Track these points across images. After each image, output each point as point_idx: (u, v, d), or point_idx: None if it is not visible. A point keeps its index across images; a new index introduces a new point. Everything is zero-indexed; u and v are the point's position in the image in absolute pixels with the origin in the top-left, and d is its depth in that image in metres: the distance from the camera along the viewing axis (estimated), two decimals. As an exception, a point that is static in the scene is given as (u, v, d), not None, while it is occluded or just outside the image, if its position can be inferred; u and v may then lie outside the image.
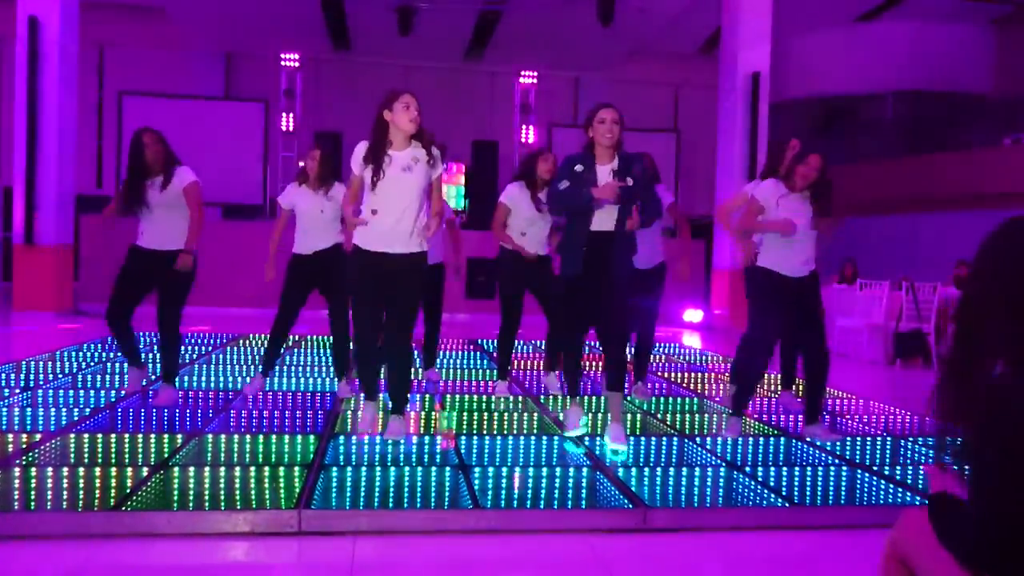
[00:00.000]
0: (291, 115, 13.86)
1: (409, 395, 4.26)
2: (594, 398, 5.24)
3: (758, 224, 4.41)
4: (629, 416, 4.84)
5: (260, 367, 5.33)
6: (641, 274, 5.01)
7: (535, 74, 14.72)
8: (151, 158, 4.62)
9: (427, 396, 5.16)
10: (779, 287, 4.37)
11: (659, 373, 6.49)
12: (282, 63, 14.05)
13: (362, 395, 4.35)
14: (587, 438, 4.11)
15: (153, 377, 5.40)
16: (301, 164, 5.34)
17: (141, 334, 7.58)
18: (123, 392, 4.93)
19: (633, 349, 5.45)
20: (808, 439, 4.31)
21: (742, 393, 4.51)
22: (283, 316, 5.17)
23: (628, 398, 5.27)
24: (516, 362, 6.84)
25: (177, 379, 4.93)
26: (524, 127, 14.75)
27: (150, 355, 6.15)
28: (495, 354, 5.84)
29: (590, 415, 4.49)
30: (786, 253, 4.36)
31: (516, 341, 5.59)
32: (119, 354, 5.10)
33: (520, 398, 5.26)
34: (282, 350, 5.56)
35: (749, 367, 4.58)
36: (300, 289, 5.16)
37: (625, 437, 4.01)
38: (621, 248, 4.01)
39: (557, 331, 5.28)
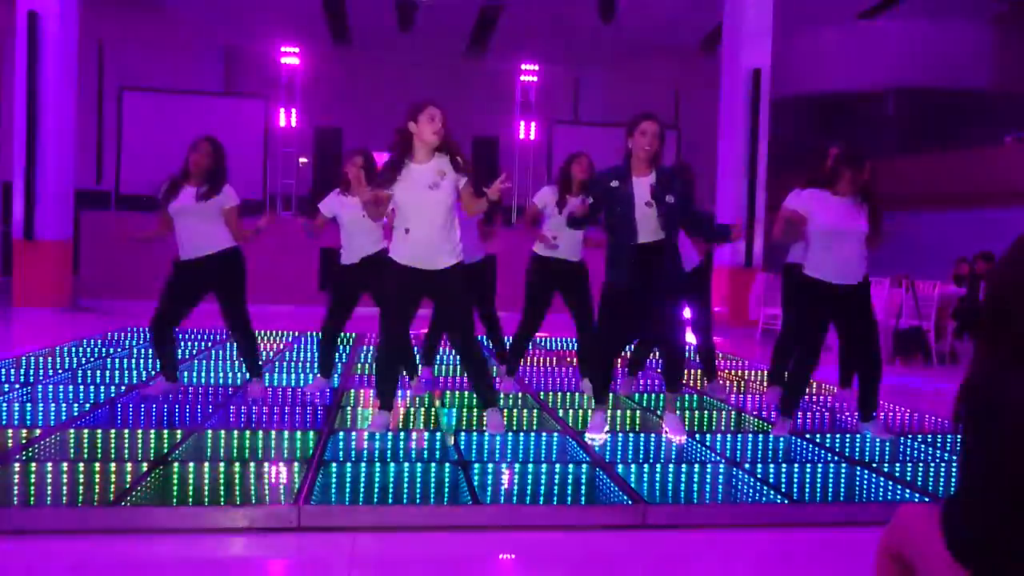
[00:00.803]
0: (291, 111, 13.83)
1: (493, 388, 4.36)
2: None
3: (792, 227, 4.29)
4: (630, 412, 4.84)
5: (318, 370, 5.31)
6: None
7: (536, 70, 14.69)
8: (194, 164, 4.63)
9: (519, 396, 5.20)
10: (821, 297, 4.23)
11: (659, 370, 6.48)
12: (282, 58, 14.02)
13: (377, 403, 4.26)
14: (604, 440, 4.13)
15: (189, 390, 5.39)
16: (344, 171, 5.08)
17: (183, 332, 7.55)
18: (142, 388, 4.91)
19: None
20: (863, 433, 4.34)
21: (788, 396, 4.40)
22: (333, 322, 5.15)
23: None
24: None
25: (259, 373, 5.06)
26: (525, 124, 14.72)
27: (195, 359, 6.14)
28: (502, 348, 5.72)
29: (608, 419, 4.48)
30: (830, 257, 4.19)
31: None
32: (155, 359, 5.06)
33: (520, 394, 5.26)
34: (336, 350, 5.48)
35: (791, 370, 4.47)
36: (350, 295, 5.12)
37: (683, 428, 4.20)
38: (670, 258, 4.01)
39: (586, 338, 5.24)
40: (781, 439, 4.30)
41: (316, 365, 5.43)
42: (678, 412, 4.35)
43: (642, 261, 3.96)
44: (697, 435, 4.26)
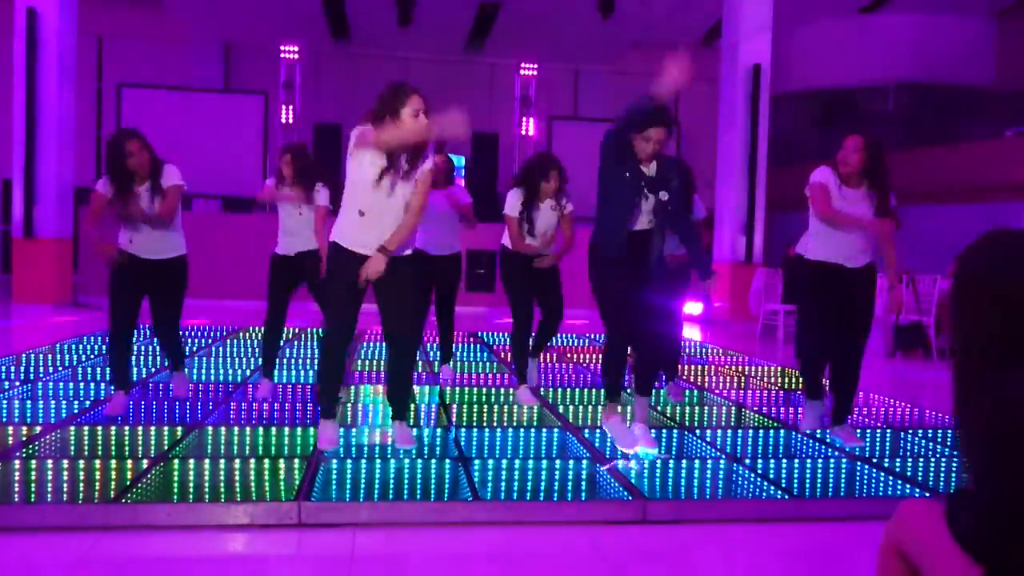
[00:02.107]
0: (290, 107, 13.83)
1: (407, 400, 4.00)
2: (593, 391, 5.24)
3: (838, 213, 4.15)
4: (630, 409, 4.83)
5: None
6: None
7: (535, 66, 14.68)
8: (135, 167, 4.25)
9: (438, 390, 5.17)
10: (829, 277, 4.15)
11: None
12: (281, 55, 14.01)
13: (320, 413, 3.85)
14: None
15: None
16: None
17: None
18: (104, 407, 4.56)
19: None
20: (830, 439, 4.21)
21: (809, 381, 4.36)
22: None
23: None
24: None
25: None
26: (524, 119, 14.72)
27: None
28: (505, 352, 5.64)
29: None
30: (836, 239, 4.12)
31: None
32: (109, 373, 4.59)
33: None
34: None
35: (807, 354, 4.40)
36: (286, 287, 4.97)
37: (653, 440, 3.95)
38: (657, 252, 3.87)
39: (551, 324, 5.16)
40: (782, 433, 4.30)
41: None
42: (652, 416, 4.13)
43: (631, 247, 3.81)
44: (697, 431, 4.26)
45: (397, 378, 3.86)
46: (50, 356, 6.04)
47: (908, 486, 3.47)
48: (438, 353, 5.76)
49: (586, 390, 5.29)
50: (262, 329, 5.21)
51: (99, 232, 4.34)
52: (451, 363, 5.71)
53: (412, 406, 4.41)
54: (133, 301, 4.37)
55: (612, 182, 3.83)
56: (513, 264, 4.99)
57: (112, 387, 4.42)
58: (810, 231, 4.29)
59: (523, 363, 5.04)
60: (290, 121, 13.81)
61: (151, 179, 4.31)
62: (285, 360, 6.22)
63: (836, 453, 3.95)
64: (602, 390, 4.09)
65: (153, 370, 5.63)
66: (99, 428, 3.87)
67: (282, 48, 14.04)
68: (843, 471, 3.70)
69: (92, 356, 6.20)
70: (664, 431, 4.25)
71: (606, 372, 4.03)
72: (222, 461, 3.37)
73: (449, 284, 5.48)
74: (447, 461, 3.49)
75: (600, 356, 4.14)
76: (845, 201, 4.15)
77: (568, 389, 5.33)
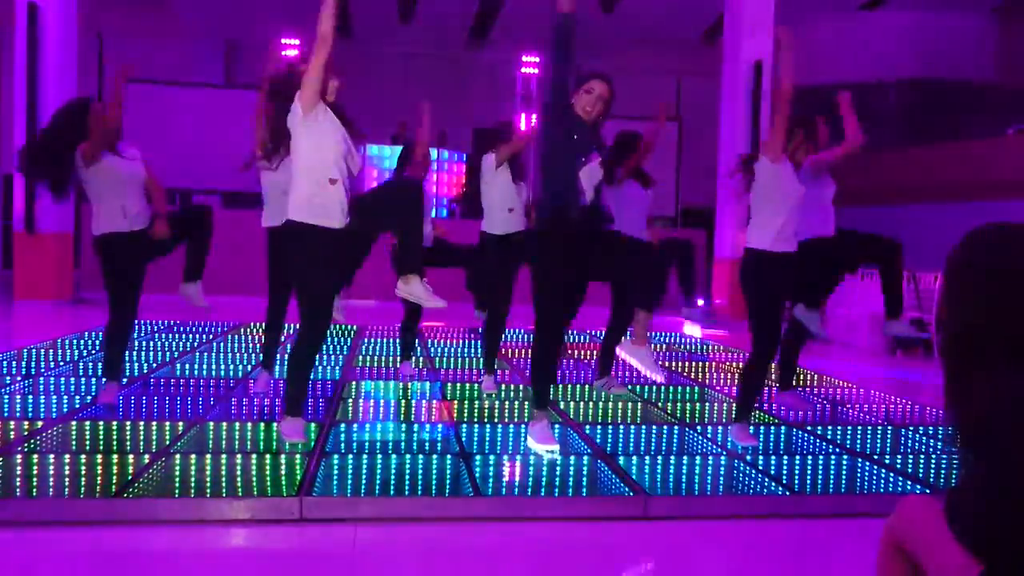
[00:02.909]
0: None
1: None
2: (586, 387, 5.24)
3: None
4: (631, 405, 4.84)
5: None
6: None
7: (537, 61, 14.64)
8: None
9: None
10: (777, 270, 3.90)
11: (660, 363, 6.49)
12: (283, 50, 13.98)
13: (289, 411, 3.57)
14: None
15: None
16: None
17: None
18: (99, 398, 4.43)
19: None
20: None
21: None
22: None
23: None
24: (519, 351, 6.85)
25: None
26: (526, 115, 14.69)
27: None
28: (504, 348, 5.50)
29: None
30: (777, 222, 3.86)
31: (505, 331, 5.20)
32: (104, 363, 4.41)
33: (521, 386, 5.26)
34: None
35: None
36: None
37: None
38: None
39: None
40: (783, 430, 4.30)
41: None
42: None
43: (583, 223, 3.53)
44: (698, 427, 4.26)
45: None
46: (51, 351, 6.04)
47: (908, 482, 3.47)
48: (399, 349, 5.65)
49: (587, 386, 5.28)
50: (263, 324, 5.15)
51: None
52: (412, 360, 5.61)
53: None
54: (140, 289, 4.25)
55: (552, 145, 3.54)
56: (493, 251, 4.80)
57: (104, 379, 4.34)
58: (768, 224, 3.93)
59: (492, 353, 4.97)
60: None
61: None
62: (286, 356, 6.20)
63: (836, 449, 3.95)
64: (533, 396, 3.60)
65: (154, 365, 5.64)
66: (100, 423, 3.88)
67: (284, 44, 14.00)
68: (844, 468, 3.70)
69: (93, 351, 6.20)
70: (665, 427, 4.25)
71: (539, 378, 3.55)
72: (223, 456, 3.37)
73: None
74: (448, 457, 3.49)
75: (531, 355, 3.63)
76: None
77: (569, 385, 5.33)
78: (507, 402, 4.75)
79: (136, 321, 4.56)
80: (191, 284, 4.46)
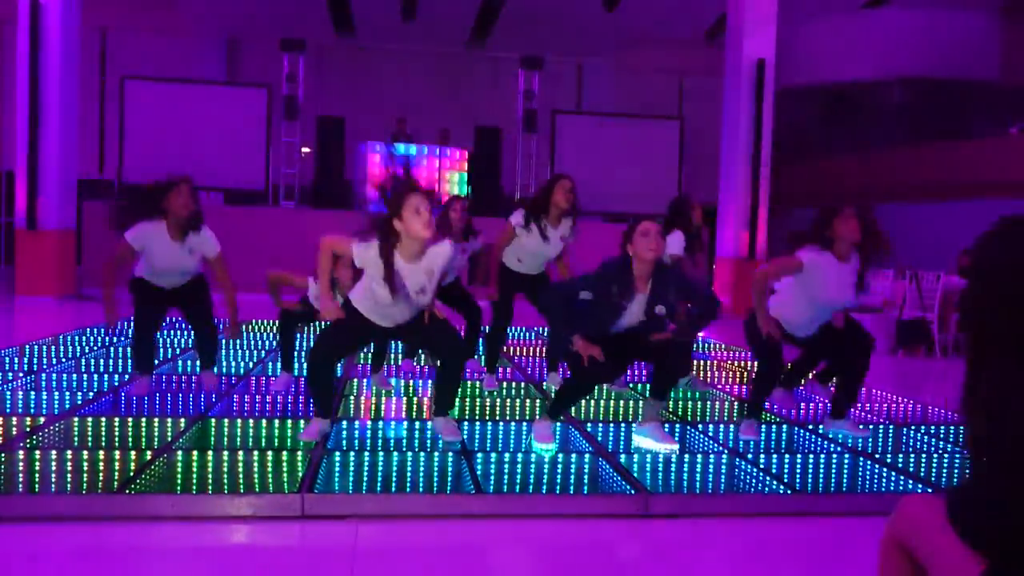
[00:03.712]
0: (294, 100, 13.81)
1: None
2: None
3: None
4: (632, 403, 4.84)
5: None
6: None
7: (539, 60, 14.64)
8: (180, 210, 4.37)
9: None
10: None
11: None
12: (285, 48, 13.98)
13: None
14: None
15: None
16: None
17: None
18: (127, 378, 4.91)
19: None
20: (831, 432, 4.18)
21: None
22: None
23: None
24: (519, 349, 6.86)
25: (182, 364, 4.93)
26: (527, 113, 14.69)
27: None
28: (507, 346, 5.66)
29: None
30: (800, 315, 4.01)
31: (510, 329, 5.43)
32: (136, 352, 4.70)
33: (523, 384, 5.27)
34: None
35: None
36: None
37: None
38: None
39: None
40: (784, 428, 4.30)
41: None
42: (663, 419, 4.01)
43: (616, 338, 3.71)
44: (699, 425, 4.26)
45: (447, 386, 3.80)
46: (53, 347, 6.05)
47: (910, 482, 3.47)
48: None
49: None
50: (274, 322, 5.21)
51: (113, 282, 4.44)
52: (414, 357, 5.67)
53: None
54: (159, 311, 4.68)
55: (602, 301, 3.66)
56: (503, 275, 5.02)
57: (136, 371, 4.64)
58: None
59: (494, 356, 5.18)
60: (293, 115, 13.79)
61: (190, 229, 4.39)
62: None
63: (838, 448, 3.95)
64: (550, 406, 3.86)
65: (157, 361, 5.64)
66: (103, 419, 3.88)
67: (285, 41, 14.00)
68: (845, 466, 3.70)
69: (95, 347, 6.21)
70: (666, 426, 4.24)
71: (560, 403, 3.82)
72: (226, 453, 3.37)
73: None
74: (450, 454, 3.49)
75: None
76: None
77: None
78: (508, 400, 4.75)
79: (157, 332, 4.90)
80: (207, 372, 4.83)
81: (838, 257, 3.88)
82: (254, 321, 7.90)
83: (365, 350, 5.69)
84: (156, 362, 5.07)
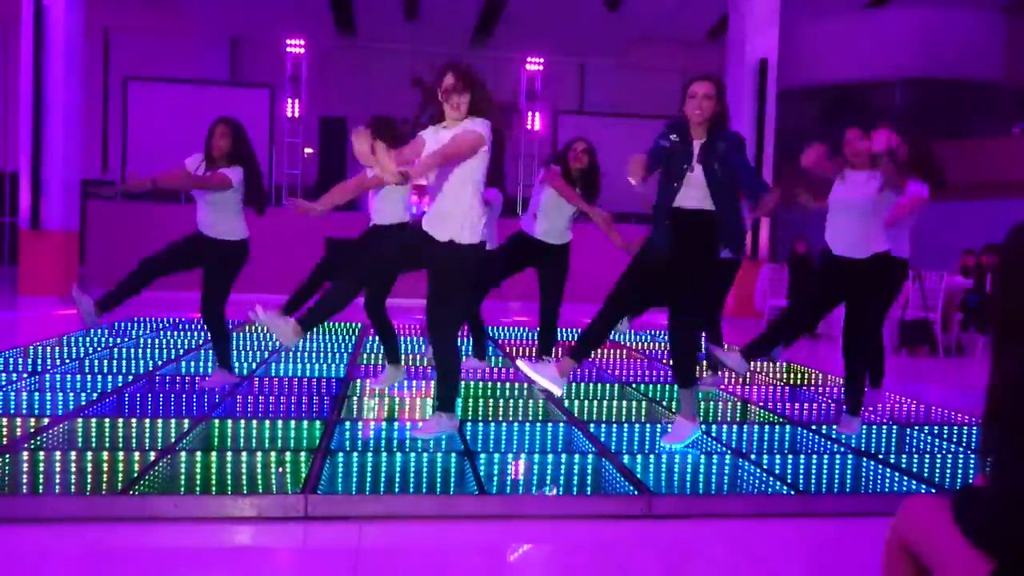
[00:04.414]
0: (297, 101, 13.82)
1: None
2: (599, 385, 5.24)
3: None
4: (635, 403, 4.84)
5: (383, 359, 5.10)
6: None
7: (541, 60, 14.64)
8: (216, 148, 4.84)
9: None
10: (826, 266, 4.27)
11: (664, 361, 6.49)
12: (288, 48, 14.00)
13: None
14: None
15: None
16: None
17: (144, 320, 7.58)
18: (159, 367, 4.99)
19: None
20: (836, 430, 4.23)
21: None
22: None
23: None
24: (519, 349, 6.86)
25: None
26: (530, 113, 14.68)
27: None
28: (509, 346, 5.74)
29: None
30: (833, 228, 4.28)
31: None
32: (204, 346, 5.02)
33: (525, 384, 5.27)
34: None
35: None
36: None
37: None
38: (708, 232, 3.69)
39: (548, 319, 5.24)
40: (787, 429, 4.30)
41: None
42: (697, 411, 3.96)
43: (676, 228, 3.68)
44: (703, 425, 4.25)
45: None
46: (57, 348, 6.06)
47: (914, 482, 3.47)
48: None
49: (592, 384, 5.29)
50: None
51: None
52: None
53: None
54: (179, 259, 4.78)
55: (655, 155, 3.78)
56: (516, 243, 5.25)
57: (216, 364, 4.87)
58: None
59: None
60: (296, 115, 13.80)
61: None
62: (291, 353, 6.22)
63: (842, 449, 3.94)
64: (572, 351, 3.98)
65: (160, 362, 5.65)
66: (106, 420, 3.89)
67: (288, 42, 14.02)
68: (849, 467, 3.69)
69: (99, 348, 6.22)
70: (669, 426, 4.24)
71: (589, 338, 3.96)
72: (229, 454, 3.38)
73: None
74: (453, 455, 3.49)
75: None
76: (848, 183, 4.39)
77: (574, 384, 5.33)
78: (510, 400, 4.75)
79: (227, 319, 4.97)
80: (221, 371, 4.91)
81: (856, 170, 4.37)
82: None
83: (374, 350, 5.68)
84: (145, 363, 5.08)
